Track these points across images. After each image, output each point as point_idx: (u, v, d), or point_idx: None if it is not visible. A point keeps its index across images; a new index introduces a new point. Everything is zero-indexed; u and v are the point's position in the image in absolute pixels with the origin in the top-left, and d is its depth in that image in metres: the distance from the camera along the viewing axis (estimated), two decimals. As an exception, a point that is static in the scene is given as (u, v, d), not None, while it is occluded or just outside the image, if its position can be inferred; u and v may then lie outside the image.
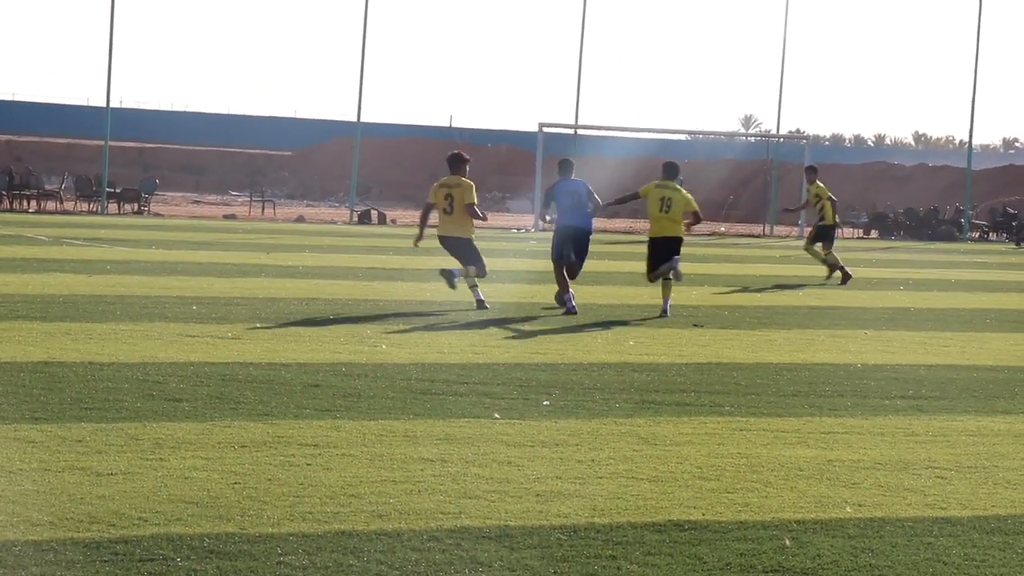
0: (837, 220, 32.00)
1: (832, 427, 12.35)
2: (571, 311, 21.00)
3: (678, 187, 22.41)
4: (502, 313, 20.47)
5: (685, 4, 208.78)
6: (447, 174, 21.72)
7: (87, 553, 7.39)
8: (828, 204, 30.47)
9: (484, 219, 22.33)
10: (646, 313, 21.51)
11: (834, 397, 14.05)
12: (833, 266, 29.71)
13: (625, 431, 11.70)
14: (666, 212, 22.17)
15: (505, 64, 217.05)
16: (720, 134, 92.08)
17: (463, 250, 21.69)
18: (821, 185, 31.30)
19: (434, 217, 21.90)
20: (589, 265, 22.77)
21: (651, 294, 24.69)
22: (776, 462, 10.74)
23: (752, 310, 22.87)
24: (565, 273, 21.61)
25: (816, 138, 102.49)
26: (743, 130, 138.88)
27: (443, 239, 21.82)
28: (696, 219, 22.74)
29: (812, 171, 32.62)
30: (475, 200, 21.50)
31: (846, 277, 29.15)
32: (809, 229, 34.20)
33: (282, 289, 22.86)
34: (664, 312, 21.27)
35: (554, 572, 7.49)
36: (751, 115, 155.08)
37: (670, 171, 22.81)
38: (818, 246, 30.81)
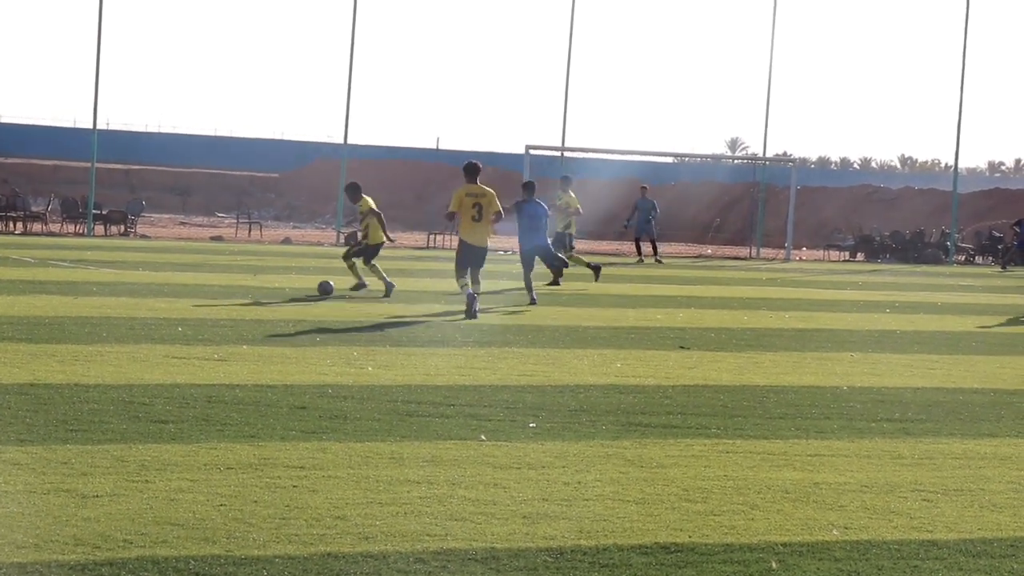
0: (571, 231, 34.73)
1: (818, 449, 12.37)
2: (534, 301, 25.25)
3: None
4: (488, 335, 20.47)
5: (671, 28, 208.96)
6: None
7: (72, 575, 7.38)
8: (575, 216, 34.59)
9: (503, 218, 24.50)
10: (633, 335, 21.53)
11: (820, 419, 14.07)
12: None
13: (612, 453, 11.70)
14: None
15: (492, 86, 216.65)
16: (706, 157, 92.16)
17: (481, 259, 23.67)
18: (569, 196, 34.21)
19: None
20: (576, 287, 22.93)
21: (638, 316, 24.72)
22: (762, 484, 10.75)
23: (739, 332, 22.88)
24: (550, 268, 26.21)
25: (803, 160, 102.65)
26: (729, 152, 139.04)
27: (471, 247, 23.56)
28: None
29: (565, 180, 34.41)
30: (500, 208, 23.74)
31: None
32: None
33: (269, 311, 22.85)
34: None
35: (540, 594, 7.49)
36: (737, 138, 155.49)
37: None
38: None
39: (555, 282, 30.54)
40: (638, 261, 46.80)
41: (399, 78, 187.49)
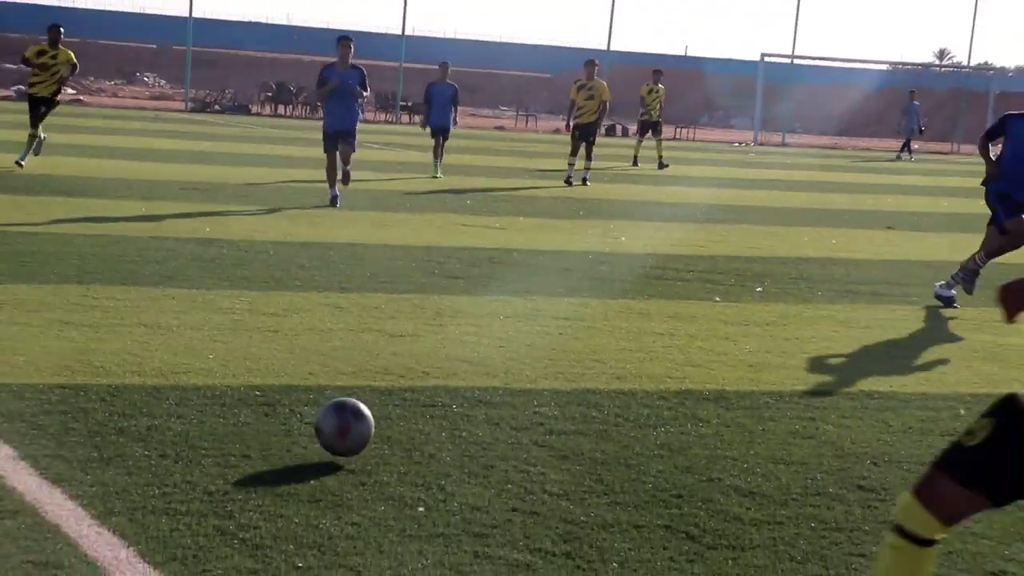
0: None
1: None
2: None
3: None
4: (723, 212, 20.31)
5: None
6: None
7: (382, 398, 7.59)
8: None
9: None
10: (846, 216, 21.12)
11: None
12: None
13: (825, 315, 11.56)
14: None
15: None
16: (918, 65, 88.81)
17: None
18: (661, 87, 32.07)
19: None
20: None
21: (850, 200, 24.20)
22: (956, 345, 10.53)
23: (939, 217, 22.29)
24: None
25: (1002, 69, 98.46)
26: (937, 62, 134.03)
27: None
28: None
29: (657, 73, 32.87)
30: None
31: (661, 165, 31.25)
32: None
33: (542, 189, 22.99)
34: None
35: (762, 429, 7.47)
36: (945, 48, 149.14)
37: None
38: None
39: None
40: (906, 156, 44.61)
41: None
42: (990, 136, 12.65)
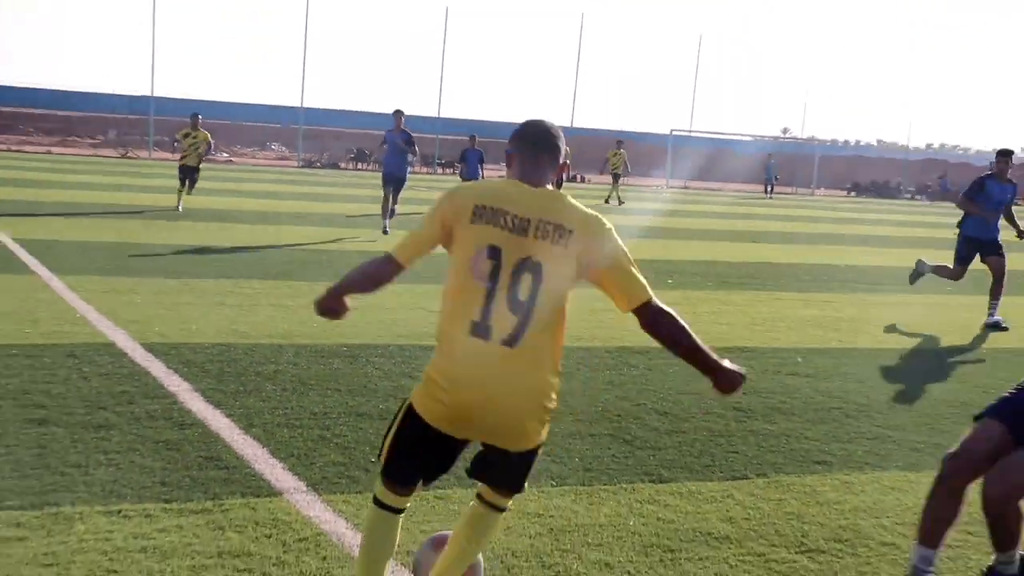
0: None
1: (828, 299, 12.01)
2: None
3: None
4: (644, 232, 20.18)
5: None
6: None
7: (425, 351, 7.50)
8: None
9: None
10: (730, 236, 20.98)
11: (829, 281, 13.58)
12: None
13: (713, 297, 11.52)
14: None
15: (633, 78, 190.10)
16: (769, 137, 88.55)
17: None
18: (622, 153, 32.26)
19: None
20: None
21: (725, 224, 23.97)
22: (793, 318, 10.50)
23: (785, 234, 22.05)
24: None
25: (822, 141, 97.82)
26: (782, 135, 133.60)
27: None
28: None
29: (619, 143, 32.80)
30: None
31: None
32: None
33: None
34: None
35: (672, 371, 7.39)
36: (787, 127, 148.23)
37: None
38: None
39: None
40: (768, 196, 45.15)
41: (589, 76, 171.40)
42: (972, 195, 10.63)
